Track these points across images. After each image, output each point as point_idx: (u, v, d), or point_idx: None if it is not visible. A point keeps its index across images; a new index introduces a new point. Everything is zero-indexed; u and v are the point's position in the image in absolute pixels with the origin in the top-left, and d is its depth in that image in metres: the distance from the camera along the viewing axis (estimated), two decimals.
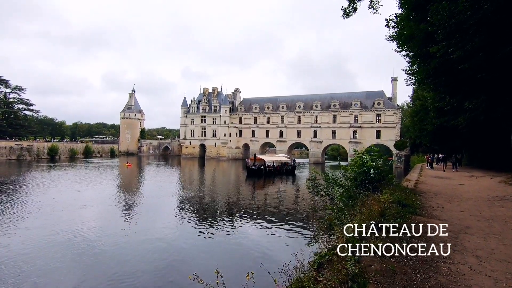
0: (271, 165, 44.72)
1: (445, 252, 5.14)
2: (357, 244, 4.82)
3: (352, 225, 5.86)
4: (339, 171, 13.93)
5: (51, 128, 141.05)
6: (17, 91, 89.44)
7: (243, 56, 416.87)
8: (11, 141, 68.62)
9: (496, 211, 9.06)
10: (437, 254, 4.99)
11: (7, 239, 13.13)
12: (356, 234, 5.46)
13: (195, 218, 17.58)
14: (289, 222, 16.62)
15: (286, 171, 45.80)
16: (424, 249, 5.17)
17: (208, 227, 15.84)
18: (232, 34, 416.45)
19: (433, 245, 5.46)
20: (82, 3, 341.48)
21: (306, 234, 10.95)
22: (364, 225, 5.76)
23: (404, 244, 5.32)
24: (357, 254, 4.59)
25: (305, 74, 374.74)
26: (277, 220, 16.98)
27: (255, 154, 52.50)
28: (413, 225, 6.75)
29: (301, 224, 16.01)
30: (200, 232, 14.89)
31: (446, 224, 7.08)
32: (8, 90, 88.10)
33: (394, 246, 5.16)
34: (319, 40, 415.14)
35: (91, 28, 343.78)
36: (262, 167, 42.95)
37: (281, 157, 50.53)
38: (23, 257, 11.17)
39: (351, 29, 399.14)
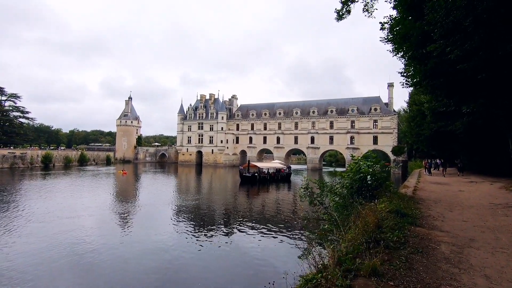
0: (266, 172, 43.88)
1: (450, 271, 4.55)
2: (350, 265, 4.22)
3: (345, 241, 5.29)
4: (335, 178, 13.34)
5: (47, 136, 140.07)
6: (13, 99, 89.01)
7: (240, 63, 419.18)
8: (3, 149, 67.61)
9: (501, 220, 8.50)
10: (441, 274, 4.40)
11: (1, 247, 12.92)
12: (350, 251, 4.87)
13: (188, 227, 17.22)
14: (282, 232, 16.00)
15: (281, 178, 44.92)
16: (426, 268, 4.58)
17: (202, 237, 15.40)
18: (230, 41, 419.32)
19: (436, 262, 4.88)
20: (81, 10, 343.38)
21: (299, 245, 10.30)
22: (358, 241, 5.18)
23: (404, 262, 4.75)
24: (350, 275, 3.99)
25: (303, 81, 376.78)
26: (270, 230, 16.35)
27: (248, 160, 51.70)
28: (413, 238, 6.18)
29: (295, 234, 15.39)
30: (193, 241, 14.52)
31: (449, 238, 6.51)
32: (4, 97, 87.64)
33: (392, 265, 4.57)
34: (316, 47, 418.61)
35: (90, 35, 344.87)
36: (256, 174, 42.13)
37: (276, 164, 49.68)
38: (19, 267, 11.04)
39: (348, 36, 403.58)
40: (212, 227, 17.38)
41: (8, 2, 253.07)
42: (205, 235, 15.78)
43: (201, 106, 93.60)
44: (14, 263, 11.30)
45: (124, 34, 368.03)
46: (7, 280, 9.93)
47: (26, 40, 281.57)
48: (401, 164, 50.77)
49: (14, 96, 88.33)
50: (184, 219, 19.35)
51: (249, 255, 12.64)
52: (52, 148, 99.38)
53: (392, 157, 67.20)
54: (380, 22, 14.13)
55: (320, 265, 4.44)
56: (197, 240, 14.83)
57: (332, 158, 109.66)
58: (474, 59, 8.89)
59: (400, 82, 14.26)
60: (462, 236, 6.73)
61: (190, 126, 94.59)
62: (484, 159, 30.21)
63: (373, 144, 72.69)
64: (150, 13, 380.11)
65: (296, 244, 6.35)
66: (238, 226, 17.61)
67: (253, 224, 17.88)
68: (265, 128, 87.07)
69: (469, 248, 5.76)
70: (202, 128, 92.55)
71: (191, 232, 16.26)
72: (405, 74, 13.78)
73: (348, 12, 13.55)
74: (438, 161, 41.93)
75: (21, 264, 11.25)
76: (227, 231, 16.46)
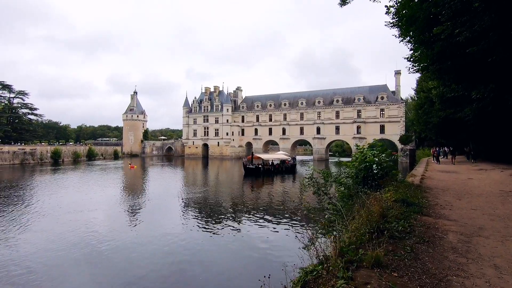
0: (270, 163, 43.47)
1: (457, 261, 4.40)
2: (352, 256, 4.10)
3: (348, 231, 5.16)
4: (341, 167, 13.15)
5: (55, 132, 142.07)
6: (21, 96, 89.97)
7: (246, 55, 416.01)
8: (14, 145, 68.87)
9: (511, 208, 8.24)
10: (448, 264, 4.25)
11: (15, 242, 13.23)
12: (352, 241, 4.75)
13: (194, 220, 17.43)
14: (286, 223, 15.98)
15: (285, 169, 44.47)
16: (432, 259, 4.43)
17: (207, 229, 15.53)
18: (235, 34, 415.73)
19: (442, 252, 4.73)
20: (87, 7, 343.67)
21: (303, 236, 10.23)
22: (362, 231, 5.04)
23: (409, 252, 4.61)
24: (352, 267, 3.87)
25: (309, 72, 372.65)
26: (274, 222, 16.35)
27: (252, 152, 51.31)
28: (419, 227, 6.01)
29: (299, 225, 15.35)
30: (198, 233, 14.72)
31: (457, 226, 6.33)
32: (12, 95, 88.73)
33: (397, 256, 4.44)
34: (322, 38, 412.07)
35: (96, 32, 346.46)
36: (260, 166, 41.81)
37: (280, 155, 49.20)
38: (33, 259, 11.26)
39: (354, 26, 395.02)
40: (217, 220, 17.48)
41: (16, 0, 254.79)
42: (210, 227, 15.89)
43: (206, 98, 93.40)
44: (28, 257, 11.56)
45: (130, 30, 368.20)
46: (22, 273, 10.15)
47: (34, 38, 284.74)
48: (408, 152, 49.95)
49: (22, 93, 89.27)
50: (190, 212, 19.57)
51: (251, 247, 12.65)
52: (61, 143, 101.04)
53: (399, 146, 66.32)
54: (386, 6, 13.60)
55: (321, 256, 4.33)
56: (203, 231, 14.99)
57: (339, 148, 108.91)
58: (484, 41, 8.48)
59: (406, 67, 13.84)
60: (471, 224, 6.53)
61: (196, 119, 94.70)
62: (494, 146, 29.52)
63: (380, 133, 71.73)
64: (155, 7, 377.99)
65: (299, 235, 6.24)
66: (242, 218, 17.66)
67: (257, 216, 17.90)
68: (270, 120, 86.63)
69: (477, 237, 5.58)
70: (207, 121, 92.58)
71: (197, 224, 16.42)
72: (411, 59, 13.30)
73: None
74: (446, 149, 41.22)
75: (35, 257, 11.51)
76: (231, 223, 16.50)
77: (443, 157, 34.93)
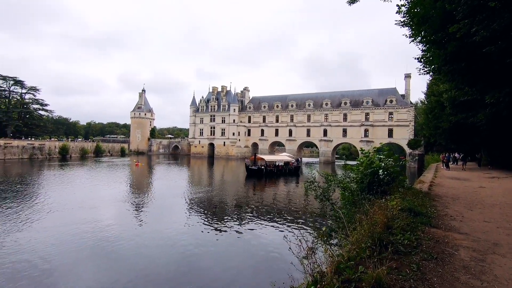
0: (273, 165, 42.72)
1: (469, 284, 3.90)
2: (350, 274, 3.65)
3: (348, 244, 4.70)
4: (345, 171, 12.63)
5: (65, 128, 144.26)
6: (32, 92, 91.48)
7: (255, 56, 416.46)
8: (23, 140, 69.98)
9: None
10: (459, 287, 3.76)
11: (23, 237, 13.37)
12: (352, 256, 4.30)
13: (195, 220, 17.34)
14: (283, 230, 15.43)
15: (289, 171, 43.56)
16: (441, 279, 3.95)
17: (211, 230, 15.45)
18: (244, 34, 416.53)
19: (453, 272, 4.23)
20: (101, 5, 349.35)
21: (298, 247, 9.79)
22: (363, 244, 4.58)
23: (415, 271, 4.13)
24: (350, 287, 3.43)
25: (318, 74, 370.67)
26: (272, 227, 15.97)
27: (255, 153, 50.68)
28: (427, 241, 5.51)
29: (296, 233, 14.74)
30: (195, 234, 14.64)
31: (469, 241, 5.80)
32: (24, 90, 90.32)
33: (401, 275, 3.97)
34: (331, 40, 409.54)
35: (109, 30, 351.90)
36: (263, 167, 41.09)
37: (284, 157, 48.25)
38: (41, 255, 11.37)
39: (363, 28, 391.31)
40: (217, 222, 17.25)
41: None
42: (210, 229, 15.69)
43: (213, 98, 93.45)
44: (38, 252, 11.71)
45: (141, 28, 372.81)
46: (31, 268, 10.27)
47: (48, 35, 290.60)
48: (417, 157, 48.74)
49: (34, 89, 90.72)
50: (192, 211, 19.53)
51: (247, 254, 12.37)
52: (70, 139, 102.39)
53: (408, 150, 64.98)
54: (397, 5, 13.03)
55: (316, 273, 3.89)
56: (204, 233, 14.82)
57: (346, 151, 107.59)
58: (503, 40, 7.88)
59: (417, 68, 13.20)
60: (484, 239, 5.99)
61: (202, 118, 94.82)
62: (508, 153, 28.44)
63: (388, 137, 70.50)
64: (166, 7, 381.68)
65: (296, 246, 5.81)
66: (241, 222, 17.29)
67: (256, 220, 17.50)
68: (277, 121, 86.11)
69: (492, 255, 5.05)
70: (214, 121, 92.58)
71: (197, 225, 16.30)
72: (422, 59, 12.68)
73: None
74: (456, 155, 40.02)
75: (45, 252, 11.70)
76: (227, 228, 16.07)
77: (453, 163, 33.87)
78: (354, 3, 13.03)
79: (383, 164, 10.96)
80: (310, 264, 4.08)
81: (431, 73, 14.01)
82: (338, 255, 4.16)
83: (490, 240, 5.93)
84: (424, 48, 12.52)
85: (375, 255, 4.05)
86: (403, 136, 68.46)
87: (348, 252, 4.39)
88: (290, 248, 4.21)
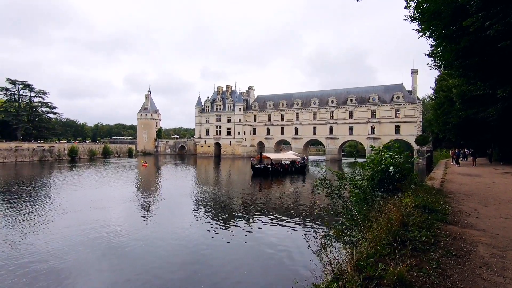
0: (279, 163, 42.63)
1: (492, 280, 3.87)
2: (371, 271, 3.65)
3: (365, 241, 4.69)
4: (356, 168, 12.56)
5: (73, 130, 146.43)
6: (41, 95, 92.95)
7: (260, 54, 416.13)
8: (33, 143, 71.20)
9: None
10: (482, 284, 3.73)
11: (39, 238, 13.65)
12: (371, 254, 4.29)
13: (204, 219, 17.44)
14: (297, 228, 15.51)
15: (295, 169, 43.46)
16: (463, 276, 3.92)
17: (217, 229, 15.46)
18: (249, 33, 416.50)
19: (474, 269, 4.19)
20: (107, 9, 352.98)
21: (315, 243, 9.79)
22: (381, 241, 4.56)
23: (435, 268, 4.10)
24: (372, 285, 3.43)
25: (323, 71, 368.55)
26: (283, 226, 15.97)
27: (261, 152, 50.61)
28: (444, 238, 5.46)
29: (310, 230, 14.86)
30: (207, 233, 14.67)
31: (487, 238, 5.73)
32: (33, 94, 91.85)
33: (422, 272, 3.95)
34: (337, 37, 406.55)
35: (116, 33, 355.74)
36: (269, 166, 41.06)
37: (290, 155, 48.08)
38: (57, 255, 11.63)
39: (369, 24, 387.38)
40: (227, 221, 17.30)
41: (41, 2, 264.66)
42: (220, 228, 15.74)
43: (218, 98, 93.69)
44: (54, 253, 11.94)
45: (147, 29, 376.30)
46: (50, 268, 10.54)
47: (57, 40, 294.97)
48: (428, 154, 48.08)
49: (42, 92, 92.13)
50: (201, 211, 19.65)
51: (260, 252, 12.34)
52: (78, 141, 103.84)
53: (415, 147, 64.26)
54: (405, 0, 12.91)
55: (336, 270, 3.90)
56: (213, 232, 14.89)
57: (352, 149, 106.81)
58: None
59: (428, 64, 13.01)
60: (503, 236, 5.91)
61: (208, 118, 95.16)
62: None
63: (395, 133, 69.80)
64: (172, 8, 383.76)
65: (309, 241, 5.82)
66: (251, 220, 17.39)
67: (266, 218, 17.56)
68: (282, 119, 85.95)
69: None
70: (219, 120, 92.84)
71: (206, 224, 16.37)
72: (433, 54, 12.50)
73: None
74: (466, 150, 39.43)
75: (61, 253, 11.92)
76: (240, 225, 16.29)
77: (462, 159, 33.39)
78: None
79: (393, 161, 10.87)
80: (329, 261, 4.09)
81: (442, 68, 13.79)
82: (357, 252, 4.16)
83: (509, 237, 5.85)
84: (434, 43, 12.36)
85: (396, 252, 4.04)
86: (410, 133, 67.72)
87: (367, 249, 4.38)
88: (306, 241, 4.19)
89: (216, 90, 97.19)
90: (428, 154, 48.05)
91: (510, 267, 4.30)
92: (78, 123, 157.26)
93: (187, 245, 13.03)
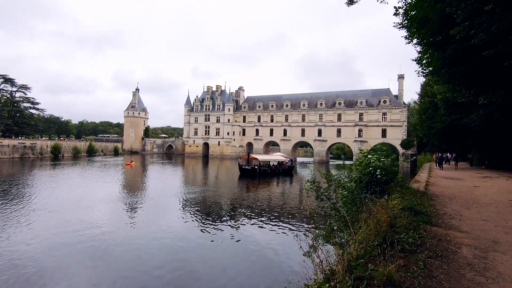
0: (266, 164, 42.75)
1: (476, 280, 4.01)
2: (361, 272, 3.72)
3: (355, 242, 4.78)
4: (343, 171, 12.77)
5: (57, 127, 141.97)
6: (23, 90, 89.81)
7: (251, 55, 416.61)
8: (14, 139, 68.64)
9: None
10: (466, 284, 3.87)
11: (17, 238, 13.17)
12: (361, 254, 4.37)
13: (190, 219, 17.25)
14: (286, 229, 15.66)
15: (282, 171, 43.69)
16: (448, 277, 4.05)
17: (204, 229, 15.33)
18: (240, 34, 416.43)
19: (458, 269, 4.34)
20: (95, 4, 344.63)
21: (305, 244, 9.85)
22: (371, 243, 4.66)
23: (422, 269, 4.22)
24: (362, 285, 3.50)
25: (313, 73, 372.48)
26: (273, 227, 16.06)
27: (248, 153, 50.55)
28: (429, 239, 5.63)
29: (300, 232, 14.99)
30: (194, 233, 14.54)
31: (470, 239, 5.94)
32: (14, 89, 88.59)
33: (409, 272, 4.06)
34: (327, 40, 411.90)
35: (105, 28, 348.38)
36: (256, 167, 41.11)
37: (277, 156, 48.27)
38: (35, 256, 11.27)
39: (358, 28, 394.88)
40: (214, 222, 17.19)
41: None
42: (207, 229, 15.63)
43: (208, 97, 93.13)
44: (32, 254, 11.55)
45: (137, 27, 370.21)
46: (28, 269, 10.18)
47: (42, 33, 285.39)
48: (414, 157, 49.31)
49: (25, 87, 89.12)
50: (187, 212, 19.38)
51: (250, 253, 12.34)
52: (61, 138, 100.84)
53: (401, 150, 65.82)
54: (395, 7, 13.20)
55: (327, 271, 3.95)
56: (200, 233, 14.76)
57: (339, 151, 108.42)
58: (502, 43, 8.05)
59: (416, 71, 13.41)
60: (484, 237, 6.14)
61: (197, 118, 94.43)
62: (499, 153, 29.09)
63: (382, 137, 71.33)
64: (163, 6, 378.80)
65: (301, 243, 5.88)
66: (239, 221, 17.40)
67: (254, 219, 17.59)
68: (272, 120, 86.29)
69: (494, 252, 5.19)
70: (208, 120, 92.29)
71: (193, 226, 16.23)
72: (421, 62, 12.86)
73: None
74: (449, 155, 40.74)
75: (40, 254, 11.53)
76: (228, 227, 16.19)
77: (445, 163, 34.46)
78: (352, 4, 13.17)
79: (381, 164, 11.11)
80: (320, 262, 4.14)
81: (430, 75, 14.23)
82: (347, 253, 4.23)
83: (490, 238, 6.08)
84: (421, 50, 12.73)
85: (385, 252, 4.13)
86: (396, 136, 69.35)
87: (357, 250, 4.46)
88: (301, 243, 4.23)
89: (205, 89, 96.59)
90: (413, 157, 49.32)
91: (492, 268, 4.47)
92: (62, 120, 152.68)
93: (173, 247, 12.74)
